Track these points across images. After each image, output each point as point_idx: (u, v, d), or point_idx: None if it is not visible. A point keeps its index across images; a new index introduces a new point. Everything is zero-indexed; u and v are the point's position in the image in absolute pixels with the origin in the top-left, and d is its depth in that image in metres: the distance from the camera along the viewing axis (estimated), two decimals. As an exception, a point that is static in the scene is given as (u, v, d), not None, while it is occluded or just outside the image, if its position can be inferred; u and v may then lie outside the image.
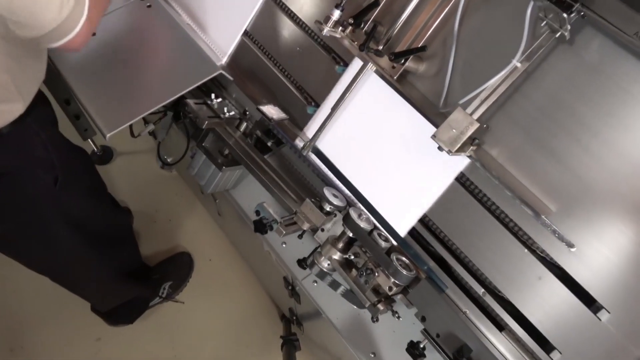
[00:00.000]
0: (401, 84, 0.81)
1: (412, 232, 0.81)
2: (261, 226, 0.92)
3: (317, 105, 0.88)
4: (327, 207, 0.90)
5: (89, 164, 1.02)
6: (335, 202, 0.89)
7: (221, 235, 1.63)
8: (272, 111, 0.94)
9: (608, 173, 0.62)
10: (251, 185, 1.18)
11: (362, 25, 0.79)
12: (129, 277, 1.25)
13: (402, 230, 0.81)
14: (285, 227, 0.88)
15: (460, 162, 0.74)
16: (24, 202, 0.83)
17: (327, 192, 0.90)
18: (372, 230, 0.86)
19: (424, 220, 0.80)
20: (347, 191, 0.87)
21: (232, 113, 1.06)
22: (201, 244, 1.62)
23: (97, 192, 1.06)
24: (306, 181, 0.99)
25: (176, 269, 1.48)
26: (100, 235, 1.05)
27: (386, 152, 0.82)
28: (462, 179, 0.75)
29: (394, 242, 0.85)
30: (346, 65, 0.84)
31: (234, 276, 1.57)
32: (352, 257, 0.86)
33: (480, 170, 0.72)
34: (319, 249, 0.91)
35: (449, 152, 0.70)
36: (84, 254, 1.03)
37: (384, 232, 0.86)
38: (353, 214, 0.85)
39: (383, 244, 0.84)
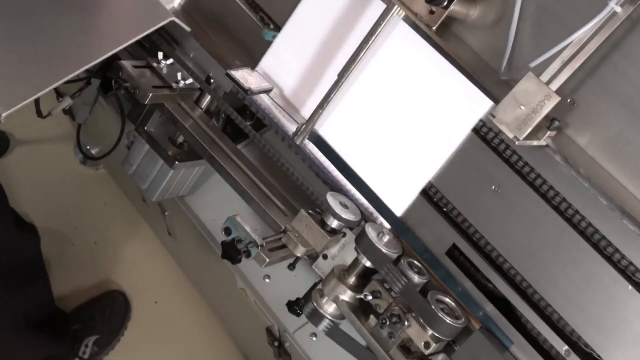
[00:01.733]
0: (443, 38, 0.82)
1: (459, 257, 0.83)
2: (233, 251, 0.90)
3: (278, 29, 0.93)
4: (333, 223, 0.91)
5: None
6: (345, 214, 0.89)
7: (172, 265, 1.64)
8: (249, 78, 0.95)
9: None
10: (218, 189, 1.20)
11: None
12: (35, 329, 1.27)
13: (398, 208, 0.86)
14: (269, 253, 0.89)
15: (479, 107, 0.76)
16: None
17: (333, 200, 0.91)
18: (399, 257, 0.87)
19: (473, 238, 0.81)
20: (355, 193, 0.91)
21: (188, 82, 1.08)
22: (142, 278, 1.63)
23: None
24: (301, 183, 0.99)
25: (104, 317, 1.50)
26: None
27: (408, 132, 0.85)
28: (525, 171, 0.76)
29: (435, 277, 0.86)
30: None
31: (191, 327, 1.59)
32: (370, 297, 0.87)
33: (560, 166, 0.73)
34: (319, 286, 0.92)
35: (515, 139, 0.70)
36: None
37: (419, 261, 0.88)
38: (371, 233, 0.86)
39: (416, 277, 0.85)
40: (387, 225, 0.91)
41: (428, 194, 0.86)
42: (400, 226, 0.89)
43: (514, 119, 0.70)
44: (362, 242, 0.87)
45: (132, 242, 1.69)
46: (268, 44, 0.97)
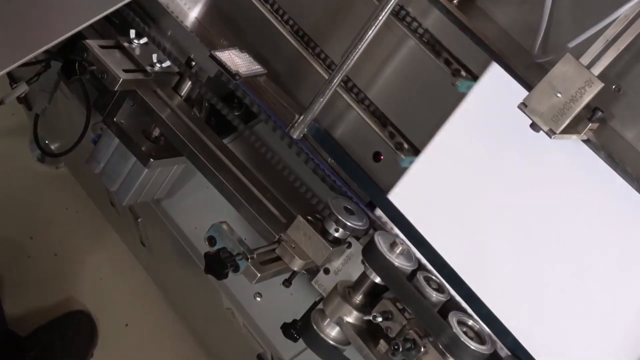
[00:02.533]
0: (467, 14, 0.82)
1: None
2: (218, 265, 0.91)
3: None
4: (336, 232, 0.92)
5: None
6: (350, 221, 0.90)
7: (145, 281, 1.65)
8: (237, 60, 0.97)
9: None
10: (200, 192, 1.21)
11: None
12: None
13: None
14: (261, 267, 0.89)
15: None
16: None
17: (336, 205, 0.91)
18: (415, 272, 0.88)
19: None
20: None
21: (166, 65, 1.09)
22: (111, 296, 1.63)
23: None
24: (299, 185, 1.00)
25: (66, 342, 1.50)
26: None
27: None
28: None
29: (455, 295, 0.87)
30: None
31: (167, 354, 1.59)
32: (380, 319, 0.87)
33: (606, 165, 0.73)
34: (320, 306, 0.93)
35: (551, 133, 0.70)
36: None
37: (437, 276, 0.88)
38: (381, 243, 0.87)
39: (434, 295, 0.86)
40: (400, 234, 0.92)
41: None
42: (417, 235, 0.90)
43: (549, 109, 0.70)
44: (371, 254, 0.88)
45: (99, 254, 1.69)
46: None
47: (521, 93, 0.73)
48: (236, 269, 0.90)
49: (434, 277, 0.89)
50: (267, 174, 1.06)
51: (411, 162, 0.90)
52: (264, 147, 1.03)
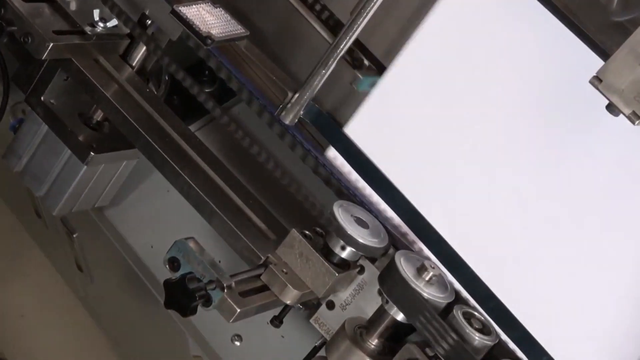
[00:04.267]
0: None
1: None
2: (183, 296, 0.89)
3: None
4: (342, 251, 0.92)
5: None
6: (363, 236, 0.90)
7: (83, 317, 1.63)
8: (209, 18, 0.97)
9: None
10: (158, 198, 1.20)
11: None
12: None
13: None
14: (241, 300, 0.89)
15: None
16: None
17: (343, 214, 0.91)
18: (451, 306, 0.88)
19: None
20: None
21: (111, 24, 1.09)
22: (36, 339, 1.63)
23: None
24: (293, 188, 1.00)
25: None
26: None
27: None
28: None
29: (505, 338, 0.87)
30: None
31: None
32: (404, 370, 0.87)
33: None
34: (322, 352, 0.94)
35: (635, 118, 0.71)
36: None
37: (480, 312, 0.89)
38: (405, 266, 0.87)
39: (477, 337, 0.86)
40: (430, 254, 0.92)
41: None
42: (455, 258, 0.91)
43: (633, 85, 0.70)
44: (391, 282, 0.88)
45: (19, 283, 1.69)
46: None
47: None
48: (208, 302, 0.89)
49: (476, 314, 0.89)
50: (249, 174, 1.06)
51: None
52: (245, 137, 1.02)
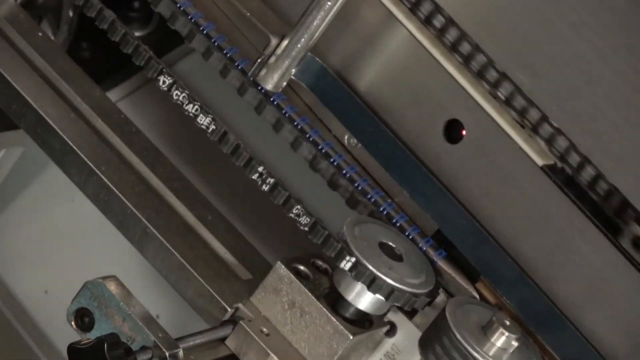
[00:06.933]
0: None
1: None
2: None
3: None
4: (358, 299, 0.83)
5: None
6: (394, 277, 0.80)
7: None
8: None
9: None
10: (58, 210, 1.19)
11: None
12: None
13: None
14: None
15: None
16: None
17: (360, 235, 0.82)
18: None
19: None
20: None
21: None
22: None
23: None
24: (278, 195, 0.88)
25: None
26: None
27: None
28: None
29: None
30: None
31: None
32: None
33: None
34: None
35: None
36: None
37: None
38: (463, 324, 0.78)
39: None
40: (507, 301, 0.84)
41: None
42: (545, 310, 0.82)
43: None
44: (441, 348, 0.78)
45: None
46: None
47: None
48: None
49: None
50: (208, 172, 1.03)
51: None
52: (200, 112, 0.88)
